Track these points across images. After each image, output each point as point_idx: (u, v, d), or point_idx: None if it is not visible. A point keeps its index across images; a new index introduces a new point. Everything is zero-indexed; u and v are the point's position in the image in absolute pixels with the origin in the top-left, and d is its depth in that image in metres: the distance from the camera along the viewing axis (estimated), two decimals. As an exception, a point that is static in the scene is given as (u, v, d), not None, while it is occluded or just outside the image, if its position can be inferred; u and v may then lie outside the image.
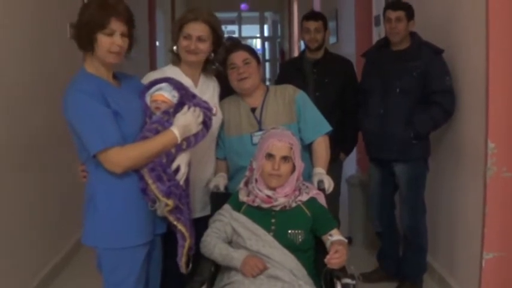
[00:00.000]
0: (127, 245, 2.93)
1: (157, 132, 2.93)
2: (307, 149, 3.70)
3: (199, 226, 3.30)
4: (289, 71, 5.25)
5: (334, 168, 4.42)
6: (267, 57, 23.85)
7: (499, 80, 3.96)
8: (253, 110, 3.68)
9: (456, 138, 4.60)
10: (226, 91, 3.79)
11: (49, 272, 5.13)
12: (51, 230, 5.30)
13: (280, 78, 5.22)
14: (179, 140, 2.93)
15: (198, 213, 3.52)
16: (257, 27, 24.43)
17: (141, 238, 2.98)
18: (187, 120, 2.98)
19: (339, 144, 4.80)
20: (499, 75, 3.95)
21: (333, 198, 3.68)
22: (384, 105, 4.61)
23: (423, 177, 4.70)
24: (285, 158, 3.18)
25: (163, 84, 3.08)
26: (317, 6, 11.80)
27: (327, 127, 3.72)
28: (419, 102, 4.51)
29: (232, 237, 3.23)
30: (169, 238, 3.14)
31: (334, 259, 2.89)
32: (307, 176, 3.55)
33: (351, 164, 7.05)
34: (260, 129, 3.59)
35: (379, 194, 4.95)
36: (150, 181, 2.89)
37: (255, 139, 3.53)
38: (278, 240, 3.12)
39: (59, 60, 5.37)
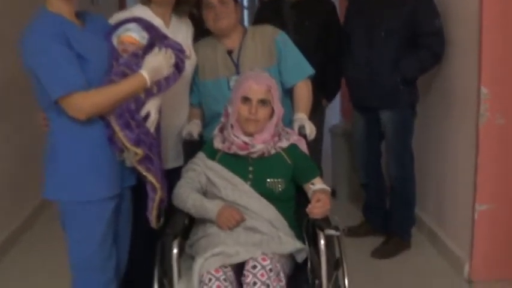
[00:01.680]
0: (93, 198, 2.89)
1: (124, 76, 2.86)
2: (288, 94, 3.66)
3: (172, 178, 3.25)
4: (267, 13, 5.12)
5: (316, 115, 4.35)
6: (245, 3, 23.67)
7: (493, 21, 3.91)
8: (230, 52, 3.61)
9: (446, 84, 4.56)
10: (200, 34, 3.72)
11: (8, 237, 5.10)
12: (11, 190, 5.25)
13: (257, 22, 5.11)
14: (149, 83, 2.87)
15: (170, 164, 3.47)
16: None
17: (108, 190, 2.94)
18: (157, 63, 2.91)
19: (321, 90, 4.72)
20: (493, 16, 3.91)
21: (315, 145, 3.64)
22: (369, 48, 4.54)
23: (411, 125, 4.67)
24: (263, 102, 3.12)
25: (132, 25, 3.02)
26: None
27: (309, 70, 3.67)
28: (407, 46, 4.45)
29: (206, 188, 3.19)
30: (140, 190, 3.09)
31: (316, 208, 2.88)
32: (288, 123, 3.51)
33: (334, 113, 7.03)
34: (237, 73, 3.54)
35: (364, 144, 4.93)
36: (117, 128, 2.84)
37: (232, 83, 3.47)
38: (256, 189, 3.09)
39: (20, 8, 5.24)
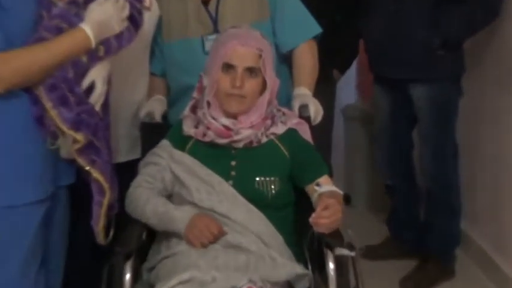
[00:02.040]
0: (15, 203, 2.82)
1: (59, 31, 2.83)
2: (286, 61, 3.67)
3: (126, 175, 3.25)
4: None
5: (325, 91, 4.34)
6: None
7: None
8: (205, 2, 3.62)
9: (504, 49, 4.57)
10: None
11: None
12: None
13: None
14: (93, 43, 2.85)
15: (123, 156, 3.52)
16: None
17: (37, 192, 2.88)
18: (105, 14, 2.89)
19: (331, 57, 4.71)
20: None
21: (322, 132, 3.63)
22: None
23: (454, 105, 4.70)
24: (251, 71, 3.12)
25: None
26: None
27: (315, 28, 3.69)
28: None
29: (173, 189, 3.19)
30: (81, 192, 3.06)
31: (323, 218, 2.84)
32: (286, 101, 3.52)
33: (348, 89, 7.02)
34: (216, 31, 3.55)
35: (390, 130, 4.96)
36: (49, 105, 2.80)
37: (209, 45, 3.47)
38: (241, 191, 3.09)
39: None
